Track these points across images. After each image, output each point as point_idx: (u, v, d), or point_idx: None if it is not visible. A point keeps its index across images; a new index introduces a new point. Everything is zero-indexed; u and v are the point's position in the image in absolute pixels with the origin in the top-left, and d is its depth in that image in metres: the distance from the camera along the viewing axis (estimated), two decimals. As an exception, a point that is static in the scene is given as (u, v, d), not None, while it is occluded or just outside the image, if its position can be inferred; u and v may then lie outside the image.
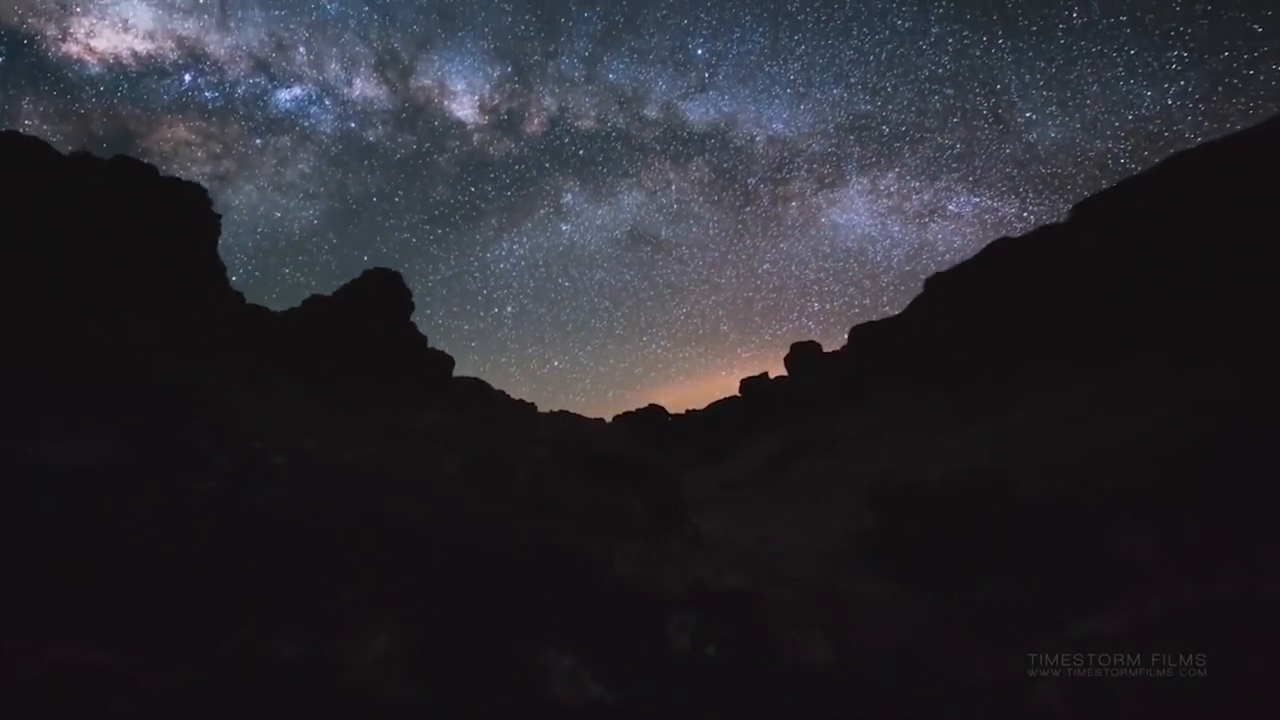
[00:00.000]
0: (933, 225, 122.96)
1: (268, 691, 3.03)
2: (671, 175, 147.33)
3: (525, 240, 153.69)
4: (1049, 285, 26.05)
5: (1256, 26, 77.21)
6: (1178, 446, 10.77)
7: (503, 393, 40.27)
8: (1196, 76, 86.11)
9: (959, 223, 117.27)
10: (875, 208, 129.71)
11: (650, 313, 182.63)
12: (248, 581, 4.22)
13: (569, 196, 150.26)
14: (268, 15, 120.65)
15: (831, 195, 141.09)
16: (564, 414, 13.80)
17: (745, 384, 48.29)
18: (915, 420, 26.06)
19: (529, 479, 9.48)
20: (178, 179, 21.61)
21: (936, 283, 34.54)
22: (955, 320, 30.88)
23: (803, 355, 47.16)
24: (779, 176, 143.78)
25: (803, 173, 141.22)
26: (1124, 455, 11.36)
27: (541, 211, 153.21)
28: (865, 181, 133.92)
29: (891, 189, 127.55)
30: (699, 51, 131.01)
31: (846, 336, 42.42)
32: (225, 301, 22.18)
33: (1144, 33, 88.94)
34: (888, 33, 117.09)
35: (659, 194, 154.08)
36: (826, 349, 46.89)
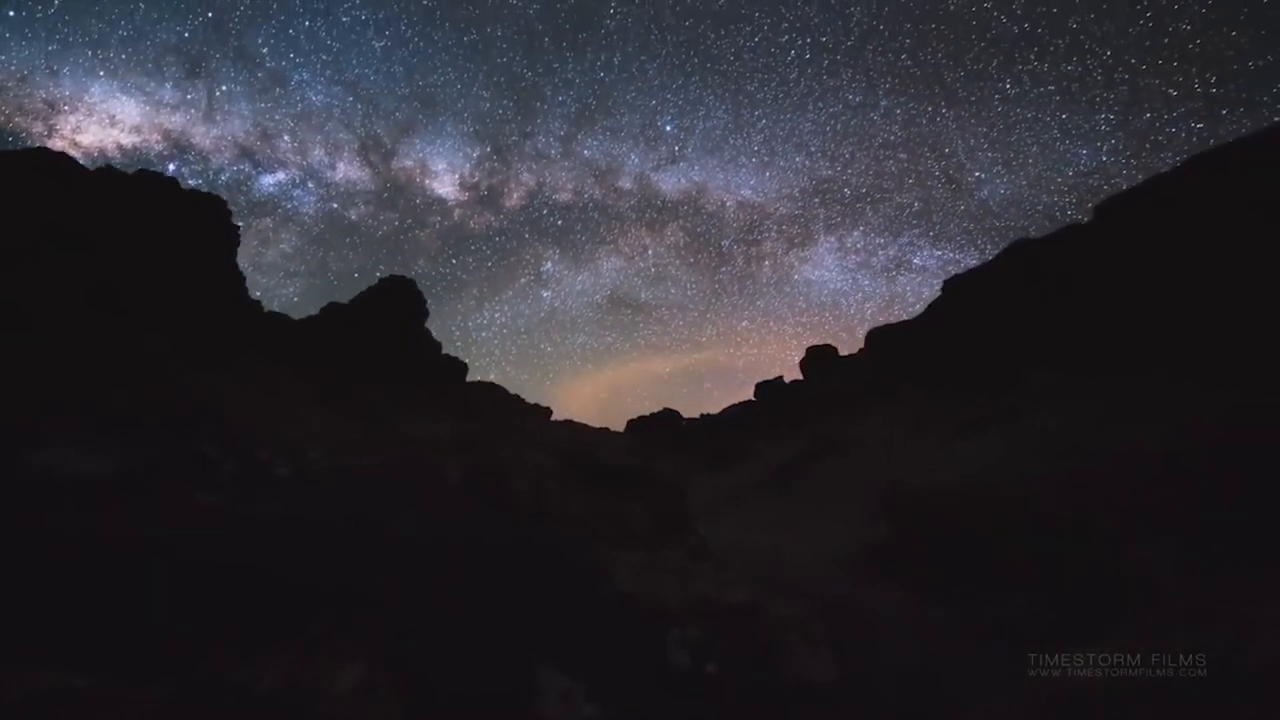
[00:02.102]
0: (900, 278, 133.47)
1: (240, 720, 3.04)
2: (648, 240, 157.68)
3: (506, 309, 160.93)
4: (1069, 288, 25.41)
5: (1171, 91, 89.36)
6: (1200, 459, 10.38)
7: (517, 397, 40.50)
8: (1124, 136, 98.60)
9: (925, 275, 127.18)
10: (845, 264, 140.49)
11: (633, 374, 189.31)
12: (233, 601, 4.24)
13: (549, 264, 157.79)
14: (254, 107, 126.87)
15: (802, 254, 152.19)
16: (569, 423, 13.78)
17: (760, 388, 47.93)
18: (931, 426, 25.59)
19: (531, 489, 9.47)
20: (198, 190, 22.13)
21: (954, 285, 33.94)
22: (973, 324, 30.29)
23: (818, 359, 46.68)
24: (751, 238, 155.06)
25: (773, 234, 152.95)
26: (1144, 467, 10.99)
27: (522, 280, 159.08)
28: (833, 240, 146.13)
29: (858, 245, 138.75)
30: (667, 128, 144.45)
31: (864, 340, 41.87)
32: (243, 309, 22.62)
33: (1072, 99, 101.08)
34: (840, 106, 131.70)
35: (637, 259, 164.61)
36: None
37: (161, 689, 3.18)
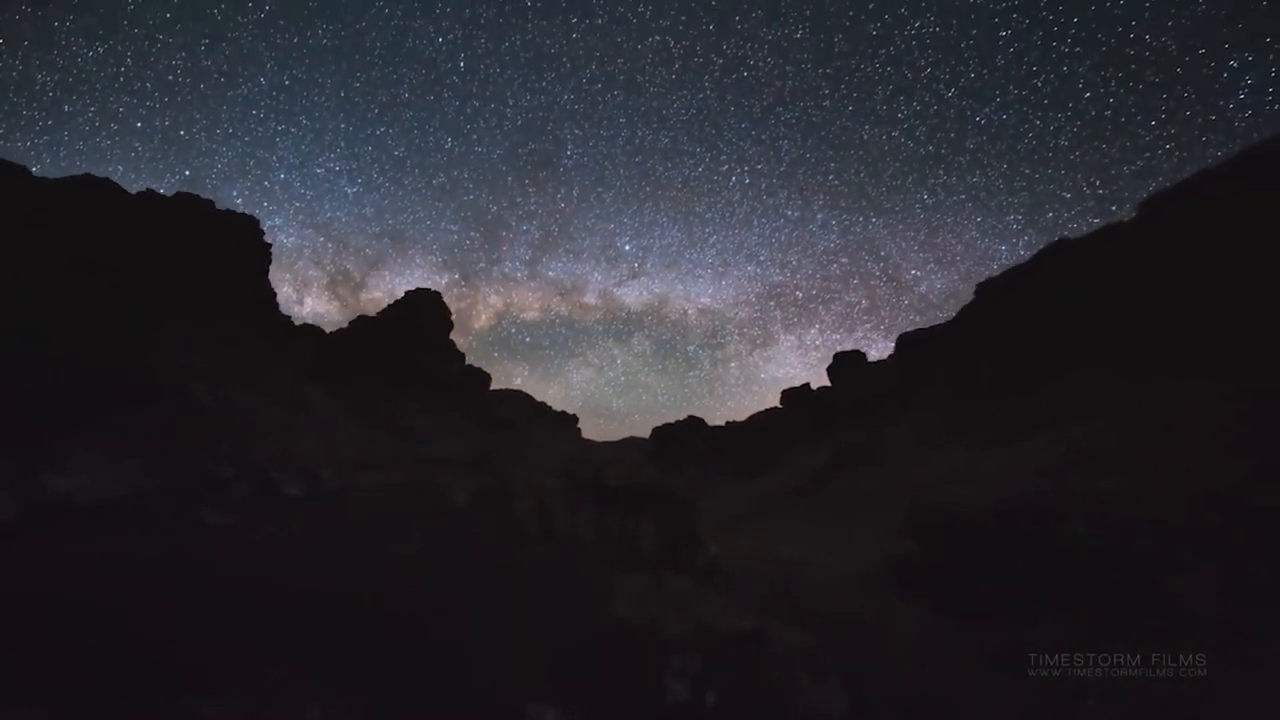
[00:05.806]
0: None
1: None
2: (615, 351, 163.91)
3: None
4: (1111, 292, 24.19)
5: (1065, 194, 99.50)
6: (1254, 478, 9.66)
7: (543, 405, 40.74)
8: (1034, 232, 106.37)
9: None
10: (807, 360, 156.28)
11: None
12: (211, 632, 4.29)
13: (519, 380, 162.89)
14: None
15: (766, 353, 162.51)
16: (587, 440, 13.76)
17: (786, 394, 47.13)
18: (962, 434, 24.68)
19: (537, 510, 9.43)
20: (232, 211, 23.01)
21: (987, 288, 32.75)
22: (1006, 328, 29.15)
23: (846, 365, 45.62)
24: (715, 342, 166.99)
25: (735, 336, 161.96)
26: (1188, 485, 10.29)
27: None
28: (793, 338, 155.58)
29: (817, 342, 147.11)
30: (626, 247, 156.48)
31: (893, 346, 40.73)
32: (274, 325, 23.39)
33: (983, 205, 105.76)
34: (782, 220, 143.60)
35: (606, 369, 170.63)
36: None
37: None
